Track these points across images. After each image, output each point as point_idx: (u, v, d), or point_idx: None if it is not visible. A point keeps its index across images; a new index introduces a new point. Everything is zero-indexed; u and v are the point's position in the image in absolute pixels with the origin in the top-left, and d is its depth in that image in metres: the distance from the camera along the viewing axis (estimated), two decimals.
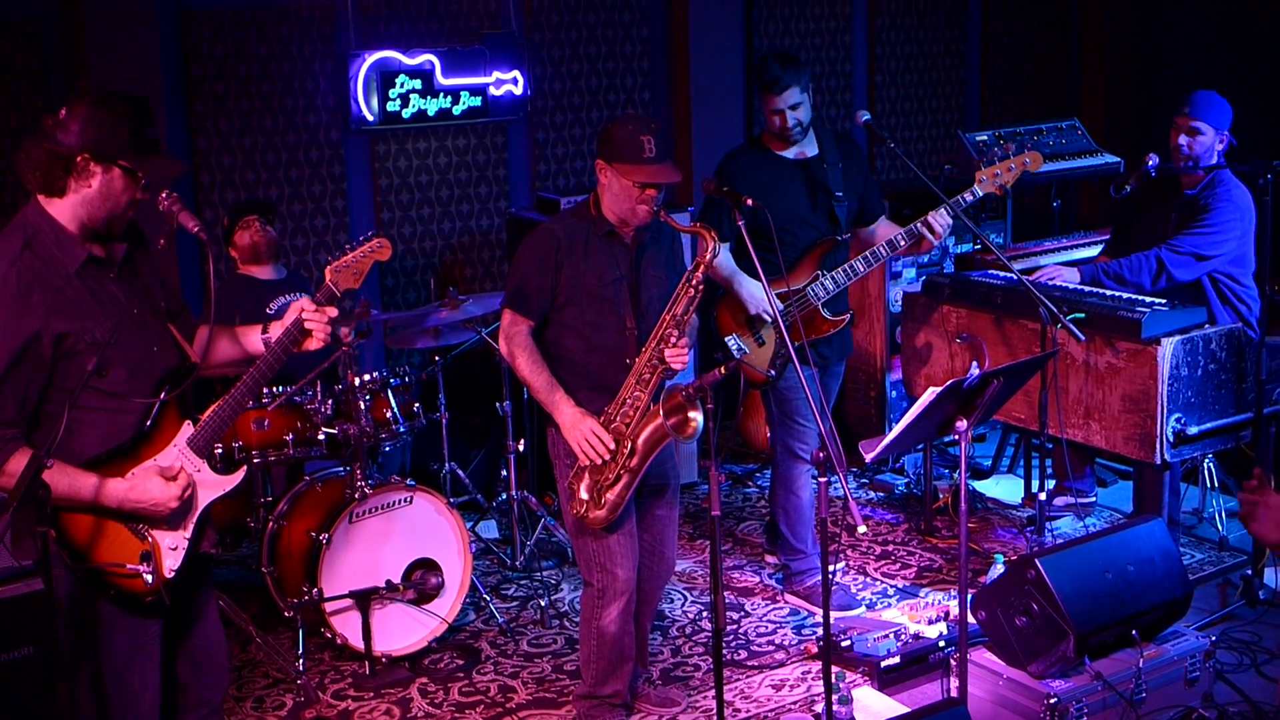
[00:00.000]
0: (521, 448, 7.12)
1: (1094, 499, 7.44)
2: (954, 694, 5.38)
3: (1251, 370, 6.26)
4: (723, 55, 9.31)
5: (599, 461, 5.04)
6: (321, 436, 6.28)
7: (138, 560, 4.06)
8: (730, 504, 7.90)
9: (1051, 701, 5.00)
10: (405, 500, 6.20)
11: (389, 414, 6.42)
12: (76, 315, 3.96)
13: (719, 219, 5.78)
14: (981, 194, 6.29)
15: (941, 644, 5.71)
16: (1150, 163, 6.66)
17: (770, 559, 7.02)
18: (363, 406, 6.24)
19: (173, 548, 4.14)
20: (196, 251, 7.87)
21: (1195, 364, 6.17)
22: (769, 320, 6.18)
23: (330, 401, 6.30)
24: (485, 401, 7.37)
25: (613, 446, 5.03)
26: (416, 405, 6.58)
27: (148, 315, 4.17)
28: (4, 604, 4.70)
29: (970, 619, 5.19)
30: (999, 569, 5.93)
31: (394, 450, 7.21)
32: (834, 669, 5.19)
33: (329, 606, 6.01)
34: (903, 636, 5.79)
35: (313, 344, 4.30)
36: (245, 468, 4.53)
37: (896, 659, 5.63)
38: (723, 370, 4.72)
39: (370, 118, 8.16)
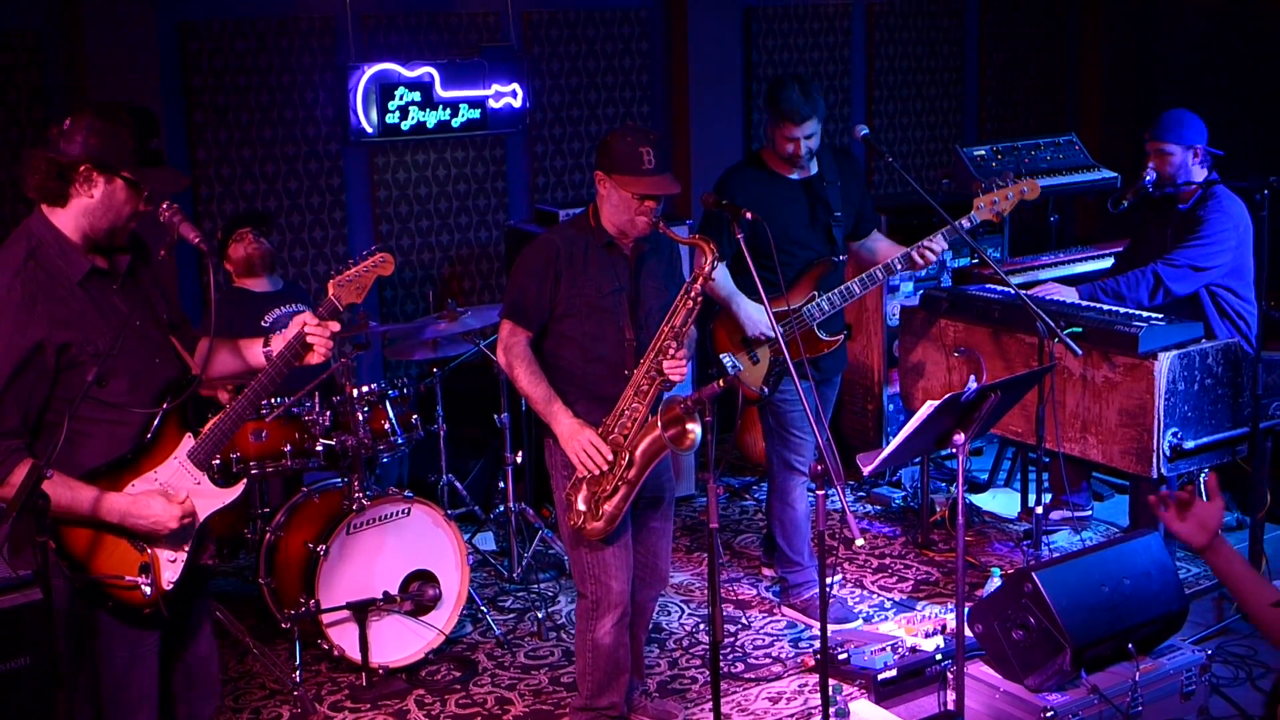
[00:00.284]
0: (519, 460, 7.13)
1: (1090, 513, 7.45)
2: (951, 707, 5.37)
3: (1248, 385, 6.27)
4: (721, 70, 9.33)
5: (597, 473, 5.04)
6: (319, 448, 6.27)
7: (136, 572, 4.06)
8: (727, 516, 7.90)
9: (1048, 715, 5.00)
10: (403, 512, 6.20)
11: (387, 425, 6.42)
12: (79, 326, 3.96)
13: (718, 234, 5.78)
14: (979, 220, 6.32)
15: (938, 657, 5.71)
16: (1147, 178, 6.70)
17: (767, 572, 7.03)
18: (361, 418, 6.24)
19: (171, 560, 4.14)
20: (195, 263, 7.89)
21: (1192, 378, 6.18)
22: (765, 341, 6.19)
23: (328, 413, 6.30)
24: (483, 413, 7.37)
25: (611, 458, 5.03)
26: (414, 417, 6.58)
27: (150, 327, 4.17)
28: (1, 614, 4.70)
29: (967, 632, 5.19)
30: (996, 582, 5.94)
31: (391, 462, 7.22)
32: (831, 682, 5.18)
33: (326, 618, 6.01)
34: (900, 650, 5.79)
35: (314, 358, 4.31)
36: (245, 480, 4.53)
37: (893, 672, 5.63)
38: (721, 383, 4.73)
39: (369, 130, 8.17)
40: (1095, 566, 5.30)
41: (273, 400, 6.18)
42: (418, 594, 6.19)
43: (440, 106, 8.32)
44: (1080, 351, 6.16)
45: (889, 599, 6.75)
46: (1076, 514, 7.23)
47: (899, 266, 6.27)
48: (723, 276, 6.18)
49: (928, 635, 5.93)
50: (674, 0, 9.19)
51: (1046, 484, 7.02)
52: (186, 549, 4.17)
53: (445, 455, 7.20)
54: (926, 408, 4.83)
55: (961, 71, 10.58)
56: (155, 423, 4.12)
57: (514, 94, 8.55)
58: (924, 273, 7.93)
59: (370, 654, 6.02)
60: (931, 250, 6.21)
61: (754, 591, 6.90)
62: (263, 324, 6.69)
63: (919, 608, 6.54)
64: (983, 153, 8.50)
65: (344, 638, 6.06)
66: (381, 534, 6.15)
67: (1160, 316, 6.32)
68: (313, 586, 5.95)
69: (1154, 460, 6.15)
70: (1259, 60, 9.81)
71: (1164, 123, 6.73)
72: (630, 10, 9.09)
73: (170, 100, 7.69)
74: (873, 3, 10.06)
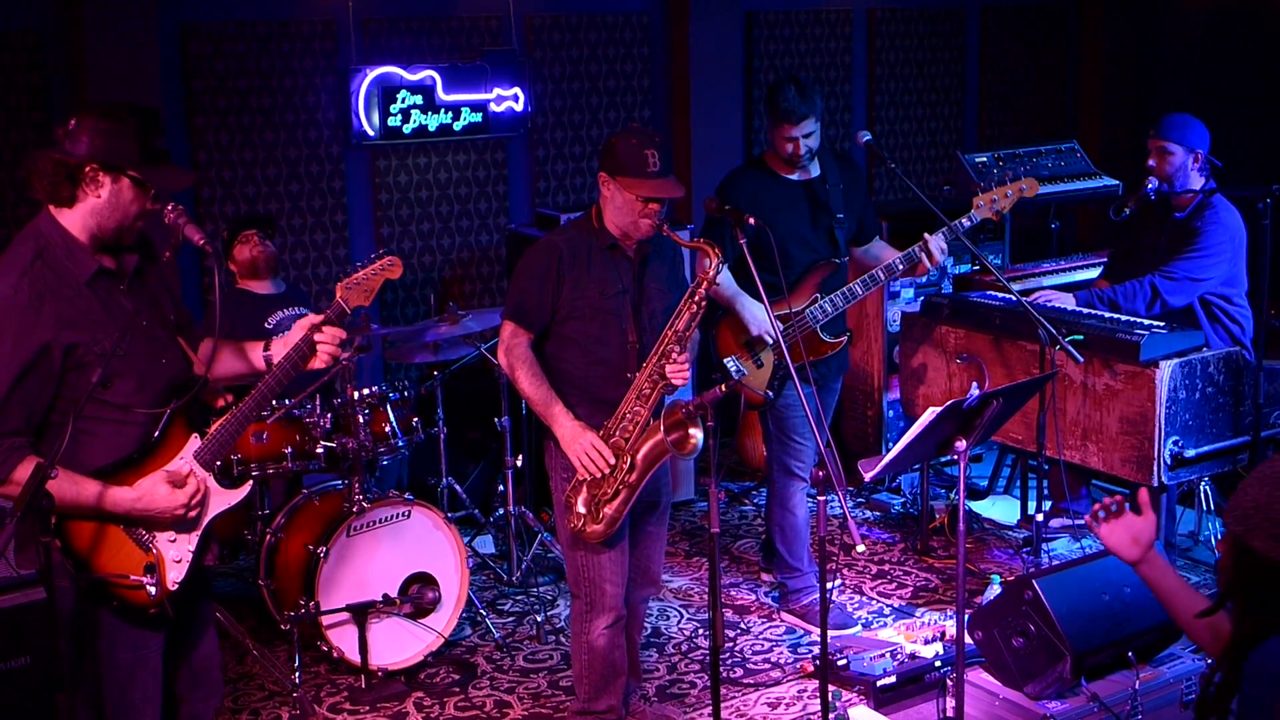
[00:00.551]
0: (519, 463, 7.13)
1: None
2: (950, 714, 5.37)
3: (1249, 394, 6.28)
4: (722, 74, 9.34)
5: (598, 475, 5.04)
6: (320, 450, 6.28)
7: (141, 572, 4.06)
8: (727, 522, 7.90)
9: None
10: (403, 514, 6.20)
11: (387, 428, 6.42)
12: (87, 326, 3.96)
13: (721, 239, 5.78)
14: (979, 219, 6.31)
15: (937, 664, 5.71)
16: (1149, 186, 6.70)
17: (766, 577, 7.03)
18: (361, 420, 6.24)
19: (177, 560, 4.14)
20: (196, 265, 7.89)
21: (1193, 387, 6.18)
22: (769, 342, 6.18)
23: (329, 415, 6.31)
24: (483, 417, 7.37)
25: (611, 460, 5.03)
26: (415, 420, 6.58)
27: (156, 328, 4.17)
28: (2, 613, 4.70)
29: (967, 639, 5.19)
30: (996, 589, 5.94)
31: (392, 464, 7.21)
32: (830, 687, 5.18)
33: (326, 620, 6.01)
34: (899, 656, 5.79)
35: (316, 363, 4.30)
36: (251, 481, 4.53)
37: (893, 678, 5.63)
38: (723, 388, 4.71)
39: (371, 133, 8.17)
40: (1095, 574, 5.30)
41: (274, 402, 6.18)
42: (417, 596, 6.19)
43: (442, 110, 8.33)
44: (1081, 359, 6.17)
45: (888, 605, 6.75)
46: (1076, 521, 7.23)
47: (901, 267, 6.26)
48: (726, 279, 6.18)
49: (927, 642, 5.93)
50: (675, 5, 9.20)
51: (1046, 491, 7.02)
52: (192, 549, 4.17)
53: (445, 458, 7.20)
54: (928, 414, 4.83)
55: (962, 78, 10.59)
56: (162, 423, 4.12)
57: (515, 98, 8.56)
58: (925, 279, 7.93)
59: (369, 656, 6.01)
60: (931, 249, 6.18)
61: (753, 597, 6.90)
62: (266, 325, 6.70)
63: (918, 614, 6.55)
64: (984, 159, 8.50)
65: (343, 640, 6.06)
66: (381, 536, 6.15)
67: (1162, 325, 6.33)
68: (312, 588, 5.95)
69: (1155, 468, 6.16)
70: (1258, 68, 9.83)
71: (1169, 122, 6.72)
72: (632, 14, 9.10)
73: (171, 102, 7.69)
74: (874, 8, 10.08)
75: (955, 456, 4.94)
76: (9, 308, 3.90)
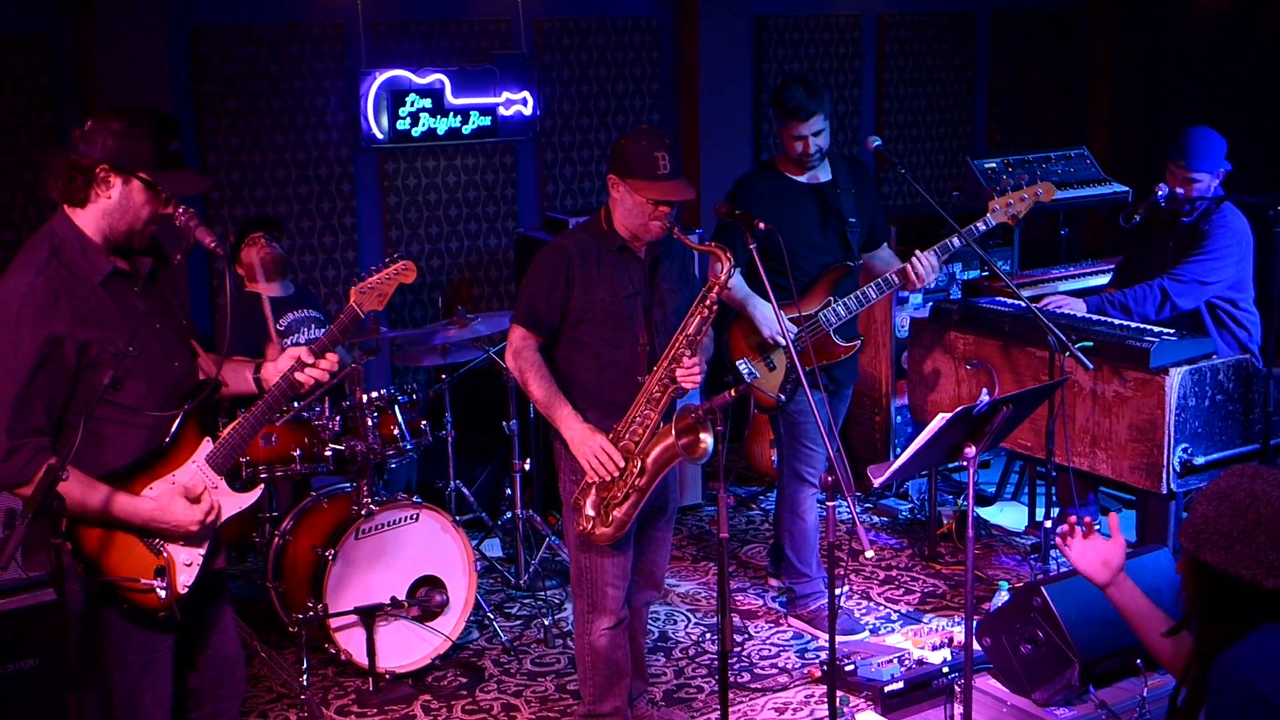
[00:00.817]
0: (527, 467, 7.12)
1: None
2: None
3: (1259, 401, 6.27)
4: (732, 79, 9.34)
5: (608, 478, 5.03)
6: (328, 453, 6.28)
7: (152, 575, 4.06)
8: (734, 527, 7.89)
9: None
10: (411, 518, 6.20)
11: (396, 431, 6.42)
12: (101, 325, 3.97)
13: (732, 243, 5.78)
14: (994, 223, 6.30)
15: (945, 670, 5.70)
16: (1159, 193, 6.69)
17: (774, 582, 7.02)
18: (370, 423, 6.24)
19: (187, 564, 4.15)
20: (204, 268, 7.89)
21: (1203, 394, 6.17)
22: (781, 345, 6.18)
23: (338, 418, 6.31)
24: (492, 420, 7.37)
25: (621, 463, 5.02)
26: (423, 423, 6.58)
27: (169, 330, 4.18)
28: (11, 615, 4.70)
29: (975, 645, 5.18)
30: (1003, 596, 5.93)
31: (400, 467, 7.22)
32: (838, 693, 5.18)
33: (333, 622, 6.01)
34: (907, 662, 5.78)
35: (302, 389, 4.32)
36: (262, 486, 4.53)
37: (900, 684, 5.62)
38: (733, 393, 4.71)
39: (380, 136, 8.18)
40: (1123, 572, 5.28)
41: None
42: (425, 600, 6.19)
43: (451, 113, 8.34)
44: (1091, 366, 6.16)
45: (896, 611, 6.74)
46: (1087, 516, 7.21)
47: (895, 281, 6.25)
48: (738, 282, 6.18)
49: (935, 648, 5.92)
50: (685, 9, 9.20)
51: (1054, 498, 7.01)
52: (202, 553, 4.18)
53: (453, 461, 7.20)
54: (938, 420, 4.82)
55: (972, 83, 10.59)
56: (175, 425, 4.13)
57: (524, 101, 8.57)
58: (934, 284, 7.92)
59: (377, 659, 6.01)
60: (921, 266, 6.16)
61: (760, 602, 6.90)
62: (277, 327, 6.70)
63: (926, 620, 6.54)
64: (994, 165, 8.50)
65: (351, 642, 6.06)
66: (389, 539, 6.15)
67: (1171, 332, 6.32)
68: (320, 591, 5.95)
69: (1164, 476, 6.15)
70: (1267, 74, 9.82)
71: (1194, 150, 6.63)
72: (641, 19, 9.10)
73: (181, 105, 7.70)
74: (883, 13, 10.07)
75: (965, 463, 4.93)
76: (26, 304, 3.91)
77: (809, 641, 6.47)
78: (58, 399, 3.96)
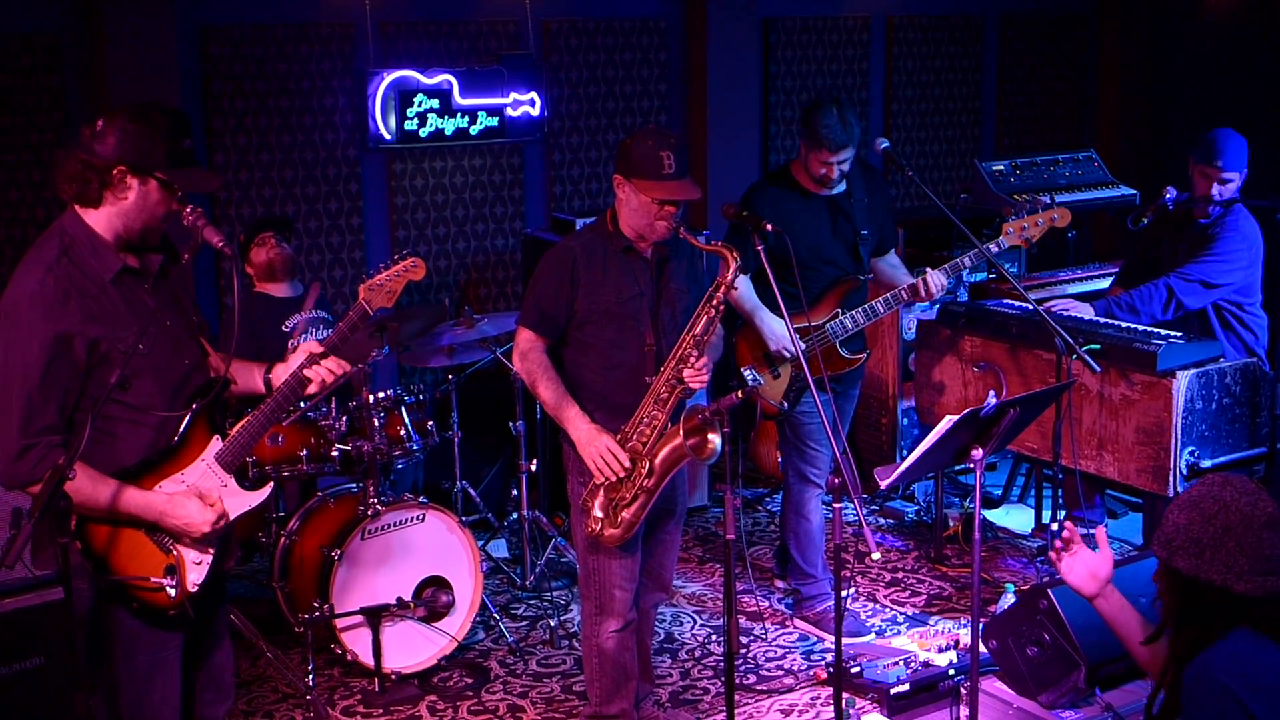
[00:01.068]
0: (533, 467, 7.12)
1: (1103, 527, 7.42)
2: None
3: (1266, 405, 6.26)
4: (740, 80, 9.34)
5: (614, 479, 5.03)
6: (335, 453, 6.28)
7: (162, 574, 4.07)
8: (740, 528, 7.87)
9: None
10: (417, 518, 6.20)
11: (402, 431, 6.42)
12: (111, 322, 3.97)
13: (742, 247, 5.77)
14: (1007, 245, 6.34)
15: (951, 672, 5.69)
16: (1167, 195, 6.68)
17: (779, 584, 7.02)
18: (376, 424, 6.25)
19: (197, 562, 4.15)
20: (212, 268, 7.90)
21: (1210, 397, 6.17)
22: (788, 357, 6.18)
23: (344, 418, 6.31)
24: (498, 421, 7.37)
25: (628, 463, 5.01)
26: (430, 423, 6.58)
27: (180, 328, 4.18)
28: (18, 614, 4.70)
29: (981, 647, 5.18)
30: (1010, 598, 5.93)
31: (406, 468, 7.22)
32: (844, 695, 5.17)
33: (340, 623, 6.02)
34: (912, 664, 5.77)
35: (310, 389, 4.32)
36: (271, 484, 4.53)
37: (906, 686, 5.61)
38: (740, 395, 4.70)
39: (388, 136, 8.19)
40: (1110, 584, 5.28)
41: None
42: (431, 600, 6.19)
43: (458, 114, 8.34)
44: (1098, 368, 6.15)
45: (901, 613, 6.74)
46: (1090, 531, 7.20)
47: (904, 297, 6.26)
48: (746, 289, 6.18)
49: (940, 650, 5.91)
50: (693, 11, 9.20)
51: (1060, 500, 7.00)
52: (212, 551, 4.18)
53: (460, 462, 7.21)
54: (945, 422, 4.82)
55: (980, 86, 10.58)
56: (184, 424, 4.13)
57: (532, 102, 8.57)
58: None
59: (383, 659, 6.02)
60: (931, 285, 6.18)
61: (766, 603, 6.90)
62: (284, 328, 6.71)
63: (932, 622, 6.54)
64: (1001, 167, 8.49)
65: (357, 643, 6.06)
66: (396, 540, 6.16)
67: (1178, 335, 6.31)
68: (327, 591, 5.95)
69: (1170, 479, 6.14)
70: (1274, 75, 9.81)
71: (1229, 151, 6.60)
72: (649, 20, 9.10)
73: (189, 105, 7.71)
74: (892, 15, 10.07)
75: (972, 465, 4.93)
76: (36, 301, 3.91)
77: (815, 643, 6.47)
78: (69, 397, 3.96)
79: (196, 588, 4.15)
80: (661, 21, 9.15)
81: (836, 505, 4.63)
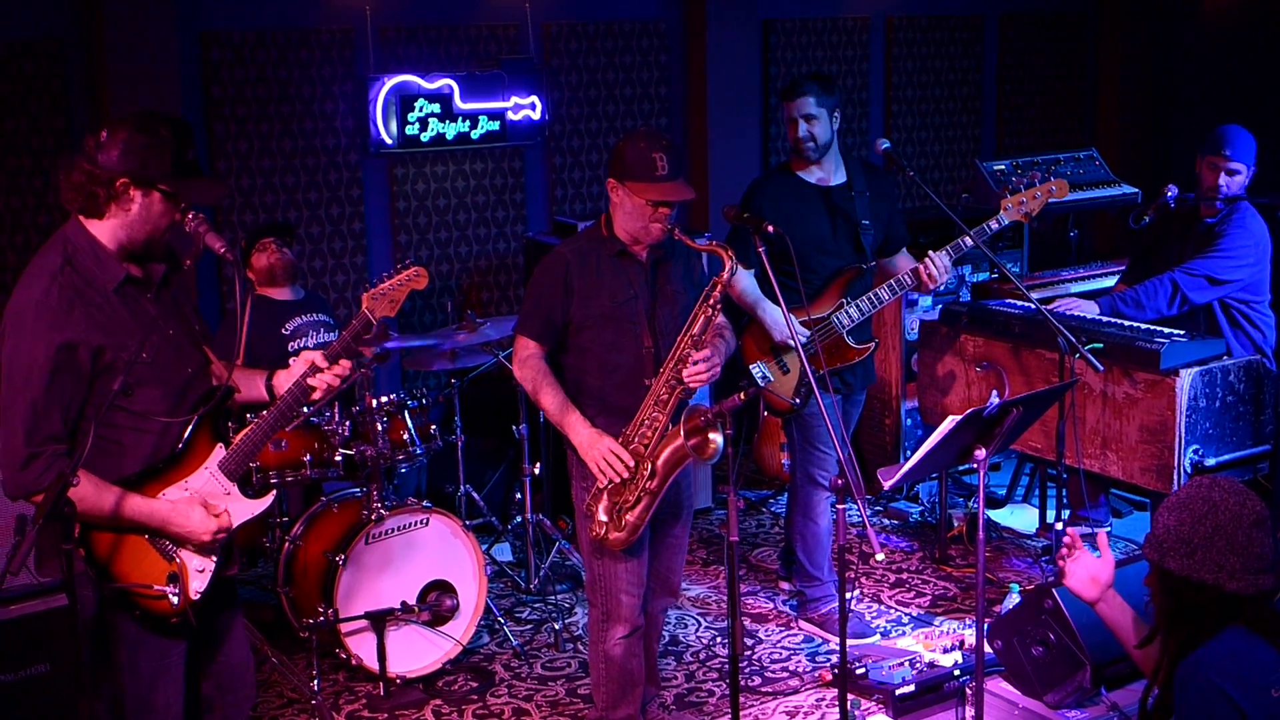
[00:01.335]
0: (537, 471, 7.12)
1: (1109, 528, 7.43)
2: None
3: (1270, 402, 6.26)
4: (740, 82, 9.34)
5: (618, 481, 5.02)
6: (338, 458, 6.28)
7: (165, 581, 4.07)
8: (744, 530, 7.89)
9: None
10: (421, 522, 6.21)
11: (406, 436, 6.42)
12: (114, 331, 3.98)
13: (745, 246, 5.77)
14: (1008, 221, 6.29)
15: (956, 673, 5.69)
16: (1169, 194, 6.67)
17: (784, 585, 7.02)
18: (380, 428, 6.25)
19: (200, 570, 4.15)
20: (214, 273, 7.90)
21: (1214, 395, 6.16)
22: (793, 347, 6.17)
23: (348, 423, 6.31)
24: (501, 424, 7.37)
25: (631, 465, 5.00)
26: (433, 427, 6.58)
27: (183, 336, 4.18)
28: (22, 621, 4.71)
29: (986, 648, 5.17)
30: (1014, 598, 5.92)
31: (410, 472, 7.22)
32: (849, 696, 5.17)
33: (344, 627, 6.02)
34: (918, 665, 5.77)
35: (315, 395, 4.32)
36: (274, 492, 4.53)
37: (911, 687, 5.61)
38: (742, 396, 4.69)
39: (389, 141, 8.19)
40: (1116, 583, 5.26)
41: None
42: (435, 604, 6.20)
43: (459, 118, 8.34)
44: (1101, 367, 6.15)
45: (906, 614, 6.73)
46: (1094, 530, 7.21)
47: (908, 282, 6.25)
48: (749, 284, 6.19)
49: (945, 650, 5.91)
50: (693, 13, 9.20)
51: (1065, 500, 7.00)
52: (215, 559, 4.18)
53: (463, 466, 7.20)
54: (948, 422, 4.81)
55: (980, 85, 10.58)
56: (188, 431, 4.13)
57: (533, 106, 8.57)
58: (944, 287, 7.92)
59: (388, 664, 6.02)
60: (935, 267, 6.17)
61: (771, 605, 6.89)
62: (283, 331, 6.71)
63: (937, 623, 6.54)
64: (1002, 167, 8.49)
65: (362, 647, 6.06)
66: (400, 544, 6.16)
67: (1182, 333, 6.31)
68: (331, 596, 5.96)
69: (1175, 477, 6.14)
70: (1275, 73, 9.80)
71: (1236, 141, 6.64)
72: (649, 23, 9.10)
73: (190, 110, 7.70)
74: (891, 16, 10.07)
75: (975, 465, 4.92)
76: (41, 310, 3.92)
77: (820, 645, 6.47)
78: (73, 405, 3.96)
79: (199, 595, 4.15)
80: (661, 24, 9.16)
81: (840, 507, 4.63)
